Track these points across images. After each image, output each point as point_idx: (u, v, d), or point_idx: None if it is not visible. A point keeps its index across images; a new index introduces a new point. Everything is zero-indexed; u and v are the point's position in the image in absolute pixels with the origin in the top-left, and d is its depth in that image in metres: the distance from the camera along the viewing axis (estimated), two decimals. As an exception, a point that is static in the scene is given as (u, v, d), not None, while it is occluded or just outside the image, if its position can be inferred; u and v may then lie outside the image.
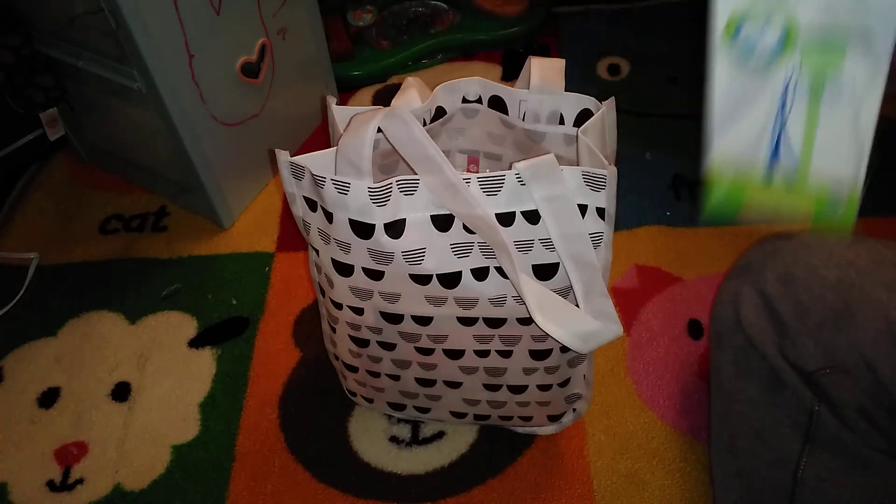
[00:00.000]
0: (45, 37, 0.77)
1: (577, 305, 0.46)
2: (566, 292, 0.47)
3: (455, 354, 0.52)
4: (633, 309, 0.75)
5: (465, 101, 0.53)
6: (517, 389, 0.55)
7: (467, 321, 0.49)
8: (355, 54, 1.02)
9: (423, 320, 0.50)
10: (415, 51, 1.04)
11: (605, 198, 0.44)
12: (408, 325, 0.50)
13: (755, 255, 0.51)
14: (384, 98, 1.01)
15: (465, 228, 0.44)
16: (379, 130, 0.42)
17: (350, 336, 0.54)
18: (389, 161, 0.54)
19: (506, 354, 0.52)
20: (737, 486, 0.54)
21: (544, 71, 0.50)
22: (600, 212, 0.44)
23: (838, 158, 0.34)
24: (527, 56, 0.53)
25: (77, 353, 0.75)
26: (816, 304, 0.45)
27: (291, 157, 0.44)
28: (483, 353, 0.52)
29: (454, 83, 0.51)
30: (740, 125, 0.35)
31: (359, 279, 0.47)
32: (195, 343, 0.75)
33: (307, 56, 0.90)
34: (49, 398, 0.71)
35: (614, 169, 0.43)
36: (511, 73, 1.03)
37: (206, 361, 0.73)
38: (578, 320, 0.45)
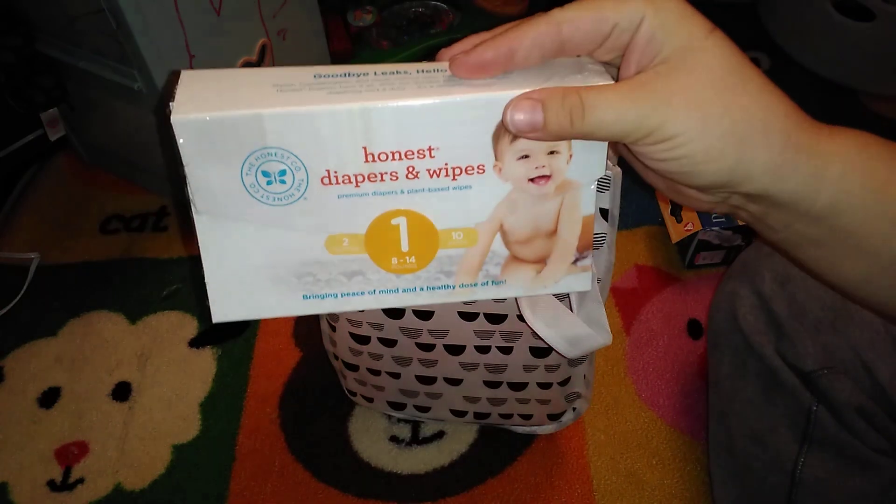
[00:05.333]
0: (46, 37, 0.77)
1: (572, 309, 0.46)
2: (563, 294, 0.47)
3: (456, 350, 0.53)
4: (632, 308, 0.75)
5: None
6: (517, 387, 0.55)
7: (468, 316, 0.50)
8: (355, 54, 1.02)
9: (425, 315, 0.50)
10: (415, 51, 1.04)
11: (608, 199, 0.44)
12: (409, 321, 0.50)
13: (752, 256, 0.51)
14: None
15: None
16: None
17: (350, 333, 0.54)
18: None
19: (506, 351, 0.52)
20: (735, 486, 0.54)
21: None
22: (604, 213, 0.44)
23: None
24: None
25: (77, 353, 0.75)
26: (813, 305, 0.45)
27: None
28: (484, 350, 0.52)
29: None
30: None
31: None
32: (195, 343, 0.75)
33: (307, 56, 0.90)
34: (49, 398, 0.71)
35: (618, 170, 0.43)
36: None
37: (206, 361, 0.73)
38: (569, 323, 0.45)
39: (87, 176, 0.95)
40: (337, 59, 0.98)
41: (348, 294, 0.31)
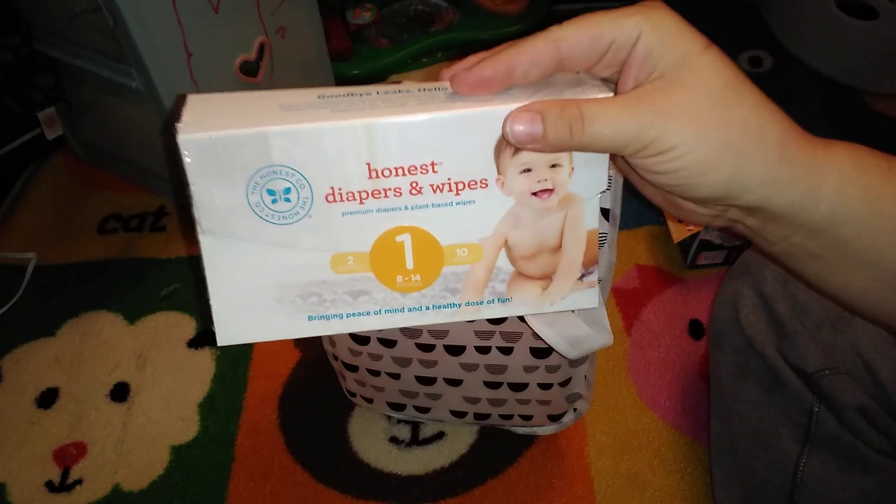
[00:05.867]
0: (44, 36, 0.77)
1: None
2: None
3: (456, 351, 0.52)
4: (634, 309, 0.75)
5: None
6: (518, 387, 0.55)
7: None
8: (354, 53, 1.02)
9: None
10: (414, 49, 1.03)
11: (609, 199, 0.44)
12: None
13: (754, 256, 0.51)
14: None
15: None
16: None
17: (350, 334, 0.54)
18: None
19: (506, 351, 0.52)
20: (737, 487, 0.54)
21: None
22: (605, 213, 0.44)
23: None
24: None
25: (76, 354, 0.75)
26: (815, 305, 0.45)
27: None
28: (484, 350, 0.52)
29: None
30: None
31: None
32: (194, 343, 0.75)
33: (306, 54, 0.90)
34: (48, 399, 0.71)
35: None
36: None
37: (205, 362, 0.73)
38: (569, 323, 0.45)
39: (84, 175, 0.94)
40: (336, 57, 0.98)
41: (354, 314, 0.31)
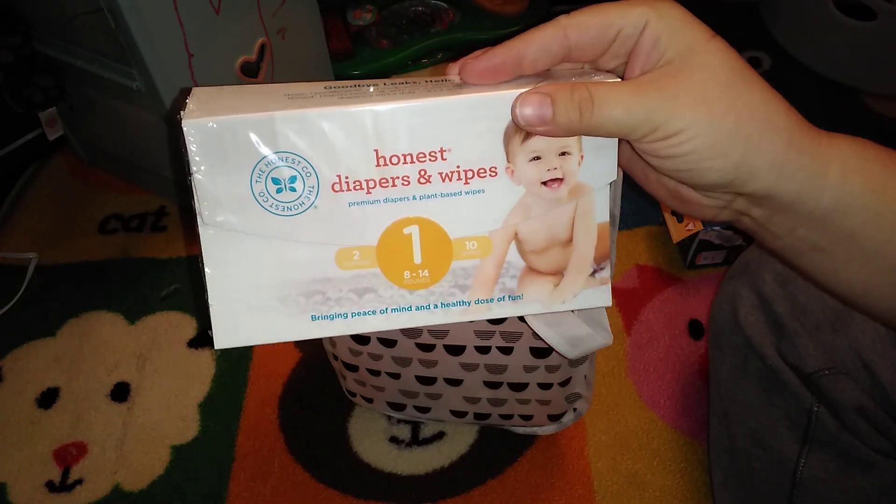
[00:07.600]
0: (45, 36, 0.77)
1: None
2: None
3: (456, 351, 0.52)
4: (633, 309, 0.75)
5: None
6: (518, 387, 0.55)
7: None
8: (355, 53, 1.02)
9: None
10: (415, 50, 1.03)
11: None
12: None
13: (753, 256, 0.51)
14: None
15: None
16: None
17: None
18: None
19: (506, 351, 0.52)
20: (736, 487, 0.54)
21: None
22: None
23: None
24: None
25: (76, 354, 0.75)
26: (814, 305, 0.45)
27: None
28: (484, 350, 0.52)
29: None
30: None
31: None
32: (194, 343, 0.75)
33: (307, 55, 0.90)
34: (48, 398, 0.71)
35: (619, 170, 0.43)
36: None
37: (205, 362, 0.73)
38: (569, 323, 0.45)
39: (85, 175, 0.94)
40: (336, 58, 0.98)
41: (359, 314, 0.30)
